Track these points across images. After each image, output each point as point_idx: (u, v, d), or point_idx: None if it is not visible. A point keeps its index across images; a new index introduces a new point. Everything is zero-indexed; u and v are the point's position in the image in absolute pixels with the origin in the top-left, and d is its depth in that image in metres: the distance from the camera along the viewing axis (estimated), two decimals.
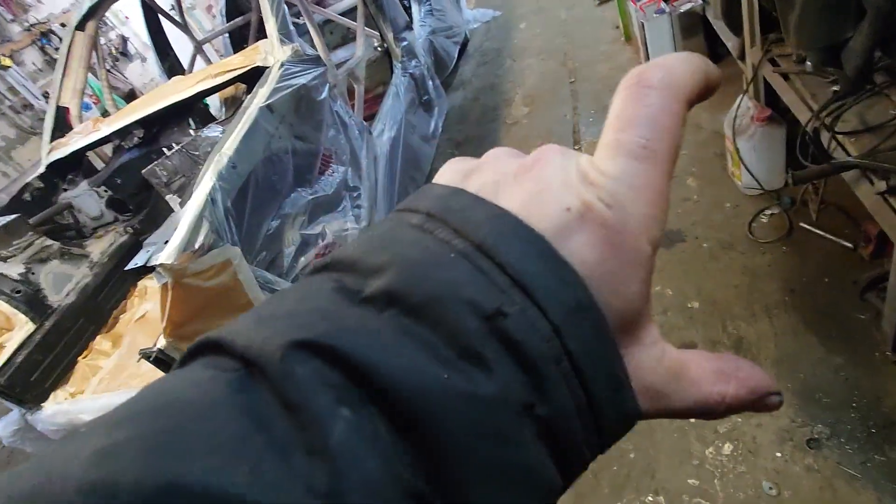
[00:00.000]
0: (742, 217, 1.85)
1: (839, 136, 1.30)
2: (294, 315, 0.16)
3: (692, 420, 1.45)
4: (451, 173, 0.21)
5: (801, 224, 1.69)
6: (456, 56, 3.95)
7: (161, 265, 1.45)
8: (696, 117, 2.34)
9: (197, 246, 1.52)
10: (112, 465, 0.13)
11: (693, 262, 1.82)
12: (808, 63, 1.21)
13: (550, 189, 0.18)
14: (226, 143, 1.73)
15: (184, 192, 1.75)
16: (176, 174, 1.79)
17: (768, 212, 1.80)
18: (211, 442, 0.14)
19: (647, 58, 2.58)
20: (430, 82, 3.38)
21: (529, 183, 0.19)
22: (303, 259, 1.77)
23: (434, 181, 0.21)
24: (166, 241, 1.51)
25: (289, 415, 0.14)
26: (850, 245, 1.55)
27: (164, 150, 1.96)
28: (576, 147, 2.59)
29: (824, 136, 1.32)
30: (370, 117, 2.80)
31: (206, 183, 1.62)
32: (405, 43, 3.18)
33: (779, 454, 1.29)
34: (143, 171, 1.80)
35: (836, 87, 1.31)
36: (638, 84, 0.19)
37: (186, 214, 1.55)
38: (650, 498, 1.35)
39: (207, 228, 1.56)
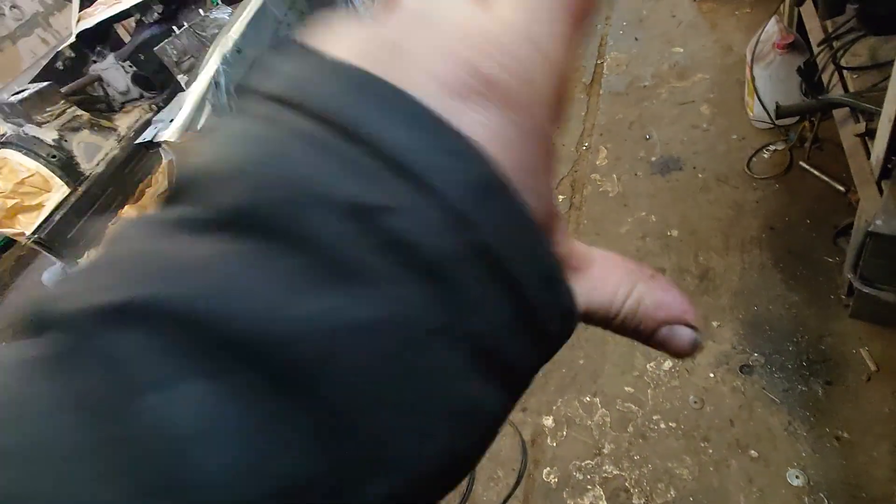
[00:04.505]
0: (745, 150, 1.80)
1: (844, 71, 1.23)
2: (112, 266, 0.13)
3: None
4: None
5: (801, 163, 1.65)
6: None
7: (165, 142, 1.56)
8: (729, 38, 2.18)
9: (199, 127, 1.61)
10: None
11: (684, 192, 1.81)
12: None
13: (430, 61, 0.13)
14: (232, 27, 1.76)
15: (192, 73, 1.82)
16: (185, 54, 1.84)
17: (772, 147, 1.75)
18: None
19: None
20: None
21: (399, 52, 0.14)
22: None
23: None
24: (171, 120, 1.60)
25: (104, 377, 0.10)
26: (842, 189, 1.52)
27: (175, 28, 1.99)
28: (598, 61, 2.48)
29: (830, 68, 1.25)
30: None
31: (210, 66, 1.68)
32: None
33: (712, 375, 1.39)
34: (156, 48, 1.85)
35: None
36: None
37: (190, 96, 1.62)
38: (588, 398, 1.49)
39: (210, 111, 1.64)
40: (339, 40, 0.14)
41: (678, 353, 0.17)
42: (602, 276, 0.17)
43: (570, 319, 0.15)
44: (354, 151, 0.12)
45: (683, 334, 0.17)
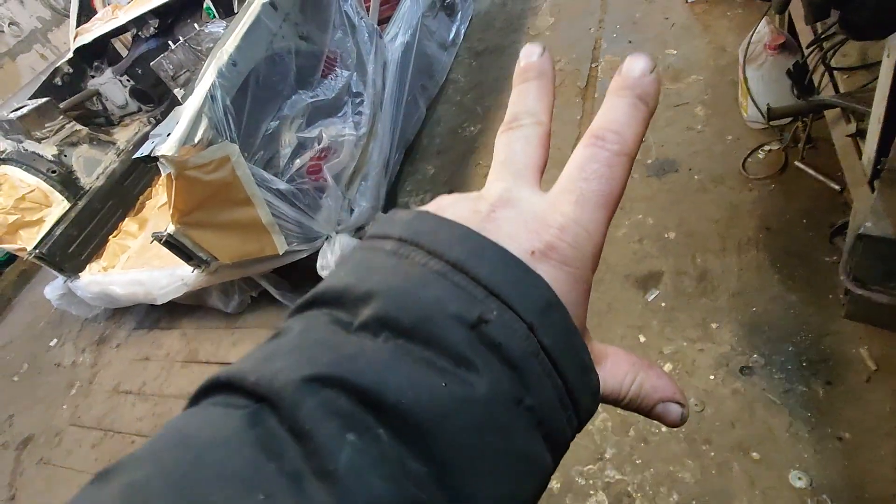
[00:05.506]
0: (740, 151, 1.80)
1: (835, 71, 1.23)
2: (298, 349, 0.18)
3: (641, 339, 1.55)
4: (426, 206, 0.23)
5: (796, 162, 1.65)
6: None
7: (163, 156, 1.56)
8: (722, 39, 2.19)
9: (196, 140, 1.61)
10: (140, 499, 0.14)
11: (681, 193, 1.81)
12: None
13: (515, 235, 0.20)
14: (227, 41, 1.76)
15: (188, 87, 1.82)
16: (181, 68, 1.85)
17: (767, 147, 1.75)
18: (226, 472, 0.15)
19: None
20: None
21: (493, 224, 0.21)
22: (298, 161, 1.85)
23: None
24: (168, 134, 1.61)
25: (298, 444, 0.15)
26: (837, 188, 1.52)
27: (171, 42, 2.00)
28: (593, 65, 2.48)
29: (820, 69, 1.25)
30: (387, 19, 2.72)
31: (206, 79, 1.68)
32: None
33: (712, 377, 1.39)
34: (152, 63, 1.86)
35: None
36: (596, 144, 0.22)
37: (187, 109, 1.63)
38: None
39: (206, 124, 1.64)
40: (448, 209, 0.22)
41: (670, 425, 0.23)
42: (613, 368, 0.22)
43: (596, 397, 0.21)
44: (464, 281, 0.18)
45: (674, 409, 0.23)
